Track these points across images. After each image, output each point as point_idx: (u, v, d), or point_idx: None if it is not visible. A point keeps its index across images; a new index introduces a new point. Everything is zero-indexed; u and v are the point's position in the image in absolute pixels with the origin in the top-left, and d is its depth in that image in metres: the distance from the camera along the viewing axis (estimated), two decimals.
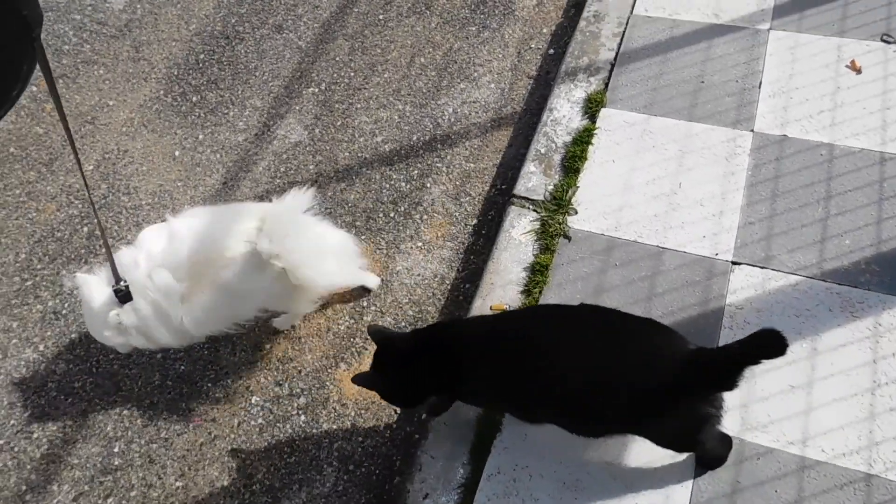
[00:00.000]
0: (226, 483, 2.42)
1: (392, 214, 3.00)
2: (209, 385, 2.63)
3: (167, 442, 2.53)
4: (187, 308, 2.24)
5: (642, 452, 2.14)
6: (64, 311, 2.88)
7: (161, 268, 2.20)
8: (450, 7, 3.71)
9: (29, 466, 2.50)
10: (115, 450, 2.53)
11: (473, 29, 3.61)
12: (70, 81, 3.69)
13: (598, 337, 1.80)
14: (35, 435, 2.57)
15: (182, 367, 2.68)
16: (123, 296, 2.20)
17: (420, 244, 2.90)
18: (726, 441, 2.09)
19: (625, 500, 2.08)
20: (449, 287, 2.78)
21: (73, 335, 2.82)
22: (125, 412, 2.60)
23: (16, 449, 2.54)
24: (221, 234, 2.24)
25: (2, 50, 1.44)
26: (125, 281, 2.20)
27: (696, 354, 1.74)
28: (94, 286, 2.25)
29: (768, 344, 1.60)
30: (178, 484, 2.44)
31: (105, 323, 2.24)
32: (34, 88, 3.67)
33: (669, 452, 2.06)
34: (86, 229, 3.15)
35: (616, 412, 1.78)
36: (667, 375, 1.70)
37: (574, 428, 1.92)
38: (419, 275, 2.82)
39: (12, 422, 2.61)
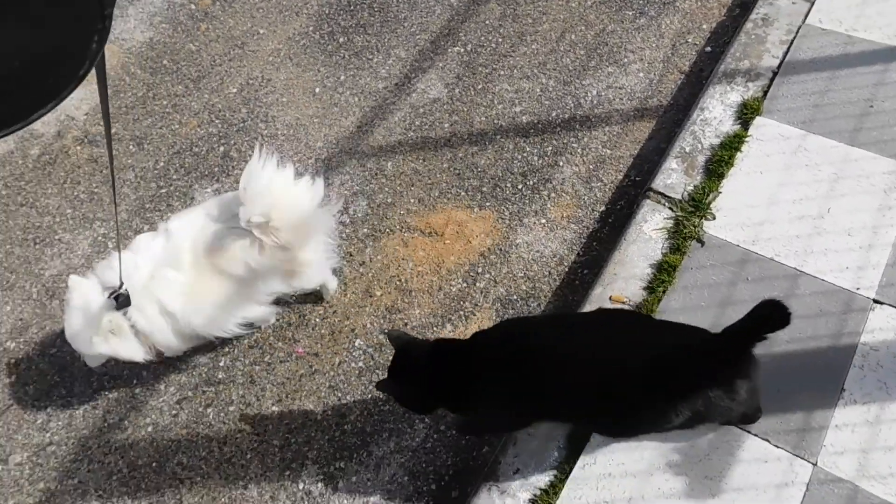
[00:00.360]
0: (319, 417, 2.41)
1: (520, 186, 2.90)
2: (317, 320, 2.62)
3: (269, 367, 2.54)
4: (194, 307, 2.16)
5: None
6: None
7: (166, 268, 2.12)
8: None
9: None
10: (221, 364, 2.56)
11: (630, 13, 3.43)
12: (226, 4, 3.71)
13: (615, 337, 1.79)
14: None
15: (293, 298, 2.68)
16: (123, 301, 2.07)
17: (544, 221, 2.79)
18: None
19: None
20: (566, 269, 2.67)
21: None
22: None
23: None
24: (221, 226, 2.16)
25: (70, 27, 1.41)
26: (124, 285, 2.07)
27: (706, 341, 1.72)
28: (88, 290, 2.11)
29: (770, 314, 1.55)
30: (274, 408, 2.45)
31: (96, 328, 2.10)
32: (192, 7, 3.72)
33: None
34: (222, 149, 3.18)
35: (641, 407, 1.75)
36: (683, 365, 1.69)
37: (603, 429, 1.95)
38: (538, 251, 2.72)
39: None
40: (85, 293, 2.10)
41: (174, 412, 2.47)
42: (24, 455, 2.40)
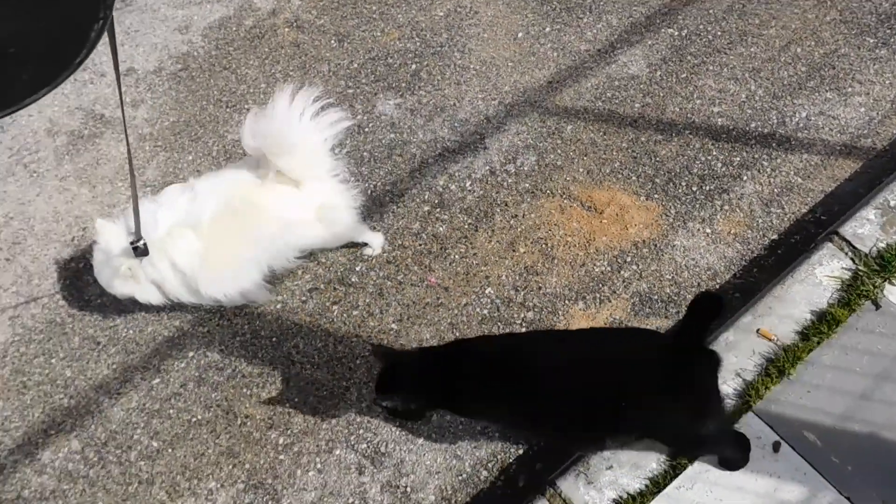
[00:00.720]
0: None
1: (694, 189, 2.68)
2: (456, 257, 2.57)
3: (400, 286, 2.53)
4: (205, 270, 2.15)
5: None
6: (367, 129, 2.93)
7: (184, 227, 2.11)
8: (856, 7, 3.14)
9: None
10: (357, 269, 2.57)
11: (871, 41, 3.04)
12: None
13: (590, 353, 1.76)
14: None
15: (441, 229, 2.64)
16: (140, 251, 2.09)
17: (708, 231, 2.58)
18: (742, 441, 1.92)
19: None
20: (717, 286, 2.47)
21: (365, 154, 2.86)
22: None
23: None
24: (247, 186, 2.14)
25: (70, 15, 1.31)
26: (142, 238, 2.09)
27: (662, 347, 1.74)
28: (113, 235, 2.14)
29: (704, 307, 1.62)
30: (392, 326, 2.45)
31: (115, 272, 2.16)
32: None
33: None
34: (413, 67, 3.14)
35: (615, 418, 1.73)
36: (647, 373, 1.68)
37: (578, 442, 1.92)
38: (693, 259, 2.52)
39: None
40: (109, 237, 2.15)
41: (304, 299, 2.52)
42: None
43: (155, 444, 2.27)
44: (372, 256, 2.57)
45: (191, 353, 2.43)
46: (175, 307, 2.39)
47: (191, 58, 3.30)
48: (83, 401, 2.36)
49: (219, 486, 2.17)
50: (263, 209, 2.15)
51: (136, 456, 2.25)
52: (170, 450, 2.26)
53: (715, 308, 1.61)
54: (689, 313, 1.66)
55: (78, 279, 2.64)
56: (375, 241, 2.55)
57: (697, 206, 2.63)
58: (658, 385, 1.66)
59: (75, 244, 2.73)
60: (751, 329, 2.20)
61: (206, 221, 2.12)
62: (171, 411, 2.32)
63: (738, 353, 2.13)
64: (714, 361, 1.73)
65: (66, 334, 2.51)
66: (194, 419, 2.30)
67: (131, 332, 2.50)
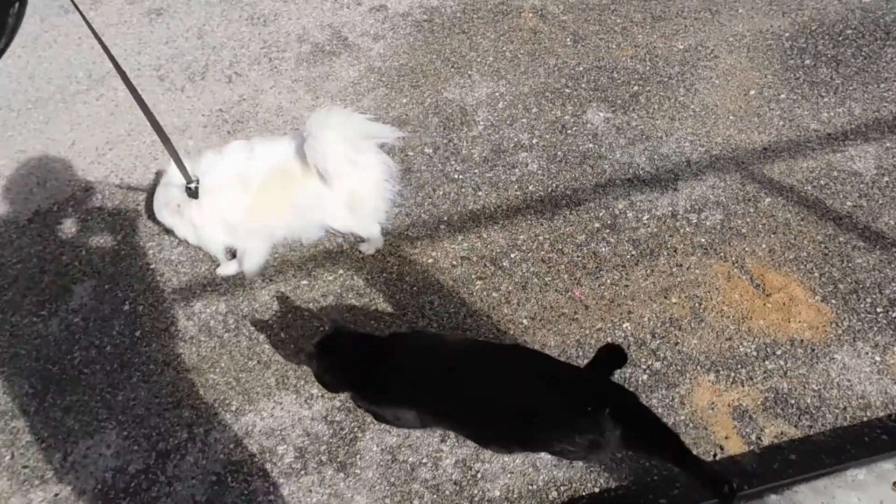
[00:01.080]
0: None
1: (879, 310, 2.39)
2: (608, 281, 2.48)
3: (544, 286, 2.47)
4: (248, 221, 2.23)
5: None
6: (569, 131, 2.86)
7: (236, 182, 2.18)
8: None
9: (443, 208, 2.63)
10: (511, 256, 2.55)
11: None
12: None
13: (510, 366, 1.80)
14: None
15: (603, 249, 2.55)
16: (192, 193, 2.19)
17: (878, 359, 2.29)
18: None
19: None
20: (864, 417, 2.19)
21: (558, 153, 2.81)
22: (540, 233, 2.58)
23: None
24: (297, 159, 2.19)
25: None
26: (197, 180, 2.19)
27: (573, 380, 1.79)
28: (174, 173, 2.23)
29: (608, 358, 1.81)
30: (524, 322, 2.41)
31: (167, 203, 2.26)
32: None
33: None
34: (635, 88, 3.03)
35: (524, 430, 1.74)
36: (556, 400, 1.70)
37: (484, 441, 1.92)
38: (848, 381, 2.25)
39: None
40: (174, 172, 2.24)
41: (454, 263, 2.54)
42: None
43: (283, 335, 2.40)
44: (367, 254, 2.55)
45: (341, 272, 2.53)
46: None
47: (437, 13, 3.38)
48: (240, 275, 2.54)
49: (319, 393, 2.26)
50: (304, 183, 2.21)
51: (264, 339, 2.39)
52: (292, 346, 2.38)
53: (618, 360, 1.79)
54: (594, 360, 1.82)
55: None
56: (373, 243, 2.52)
57: (876, 329, 2.35)
58: (565, 409, 1.69)
59: None
60: (887, 478, 1.95)
61: (256, 181, 2.21)
62: (306, 313, 2.44)
63: (863, 496, 1.90)
64: (628, 396, 1.72)
65: None
66: (321, 329, 2.40)
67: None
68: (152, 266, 2.61)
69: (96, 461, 2.18)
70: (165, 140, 2.17)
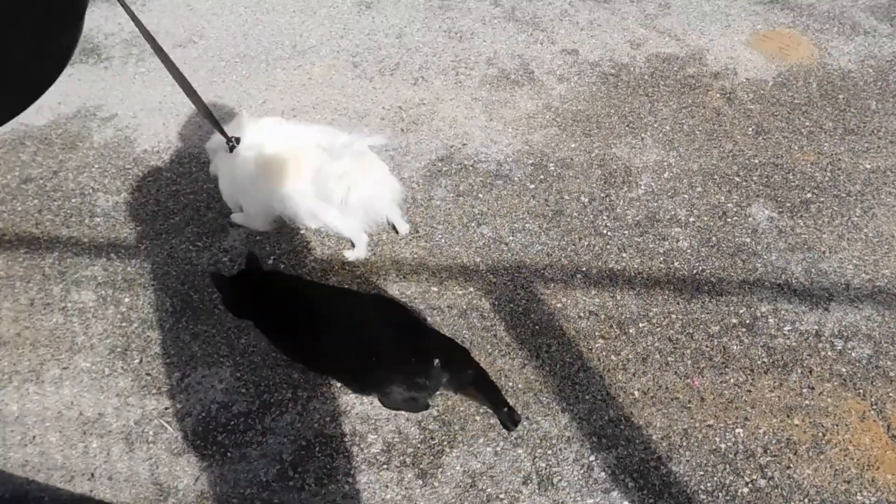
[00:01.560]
0: (627, 435, 2.22)
1: None
2: (731, 381, 2.34)
3: (665, 366, 2.37)
4: (250, 188, 2.39)
5: None
6: (729, 219, 2.75)
7: (251, 150, 2.32)
8: None
9: None
10: (640, 324, 2.47)
11: None
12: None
13: (365, 313, 2.07)
14: None
15: (735, 348, 2.41)
16: (230, 147, 2.34)
17: None
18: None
19: None
20: None
21: (712, 238, 2.69)
22: (673, 311, 2.48)
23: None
24: (313, 146, 2.29)
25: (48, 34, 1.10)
26: (237, 139, 2.34)
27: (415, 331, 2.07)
28: (231, 127, 2.40)
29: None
30: (635, 393, 2.32)
31: (214, 153, 2.50)
32: None
33: None
34: (809, 195, 2.86)
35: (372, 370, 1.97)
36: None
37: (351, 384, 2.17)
38: None
39: None
40: (217, 131, 2.38)
41: (581, 315, 2.48)
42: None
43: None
44: (358, 259, 2.60)
45: (471, 289, 2.55)
46: None
47: (626, 70, 3.36)
48: (373, 262, 2.60)
49: None
50: (306, 168, 2.29)
51: None
52: None
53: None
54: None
55: (452, 191, 2.89)
56: (357, 251, 2.58)
57: None
58: (401, 354, 1.95)
59: (451, 152, 2.98)
60: None
61: (266, 154, 2.31)
62: (427, 319, 2.47)
63: None
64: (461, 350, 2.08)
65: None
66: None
67: (443, 240, 2.69)
68: (302, 232, 2.73)
69: (207, 391, 2.29)
70: (199, 103, 2.25)
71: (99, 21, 3.98)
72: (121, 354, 2.41)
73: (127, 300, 2.57)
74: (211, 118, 2.31)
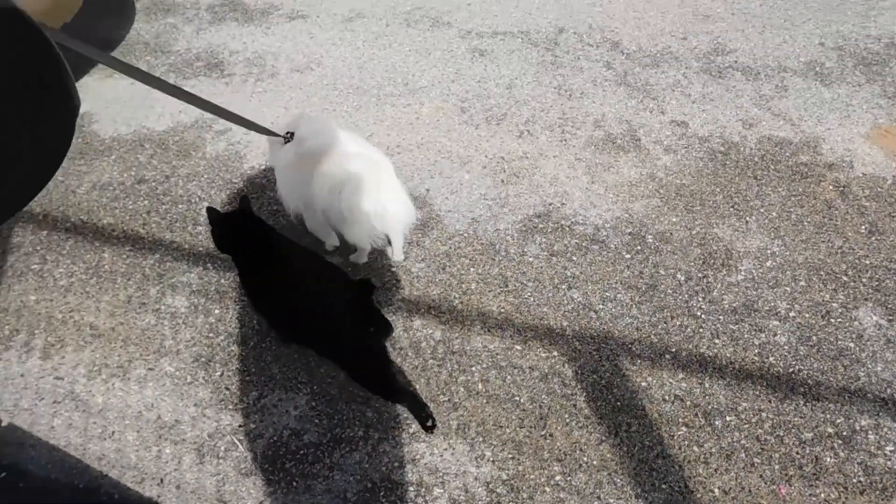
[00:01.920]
0: None
1: None
2: (822, 494, 2.17)
3: (751, 467, 2.23)
4: (284, 181, 2.55)
5: None
6: (834, 322, 2.59)
7: (291, 149, 2.46)
8: None
9: None
10: (727, 418, 2.34)
11: None
12: None
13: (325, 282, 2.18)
14: None
15: (828, 459, 2.25)
16: (285, 141, 2.48)
17: None
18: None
19: None
20: None
21: (823, 347, 2.54)
22: (765, 409, 2.34)
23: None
24: (343, 155, 2.40)
25: (48, 136, 1.13)
26: (291, 134, 2.48)
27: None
28: (290, 123, 2.55)
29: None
30: (715, 491, 2.19)
31: (271, 141, 2.60)
32: None
33: None
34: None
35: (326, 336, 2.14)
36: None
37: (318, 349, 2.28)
38: None
39: None
40: (281, 125, 2.57)
41: (666, 398, 2.38)
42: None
43: (480, 386, 2.38)
44: (357, 263, 2.69)
45: (555, 353, 2.48)
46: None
47: (736, 149, 3.27)
48: (459, 312, 2.57)
49: (491, 457, 2.20)
50: (326, 175, 2.39)
51: (463, 381, 2.38)
52: (484, 399, 2.35)
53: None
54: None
55: (546, 249, 2.85)
56: (360, 256, 2.66)
57: None
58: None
59: (549, 210, 2.95)
60: None
61: (299, 154, 2.43)
62: (508, 377, 2.41)
63: None
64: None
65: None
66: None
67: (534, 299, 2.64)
68: (394, 269, 2.74)
69: (281, 415, 2.29)
70: (233, 116, 2.26)
71: (226, 39, 4.18)
72: (204, 364, 2.45)
73: (217, 311, 2.62)
74: (254, 126, 2.38)
